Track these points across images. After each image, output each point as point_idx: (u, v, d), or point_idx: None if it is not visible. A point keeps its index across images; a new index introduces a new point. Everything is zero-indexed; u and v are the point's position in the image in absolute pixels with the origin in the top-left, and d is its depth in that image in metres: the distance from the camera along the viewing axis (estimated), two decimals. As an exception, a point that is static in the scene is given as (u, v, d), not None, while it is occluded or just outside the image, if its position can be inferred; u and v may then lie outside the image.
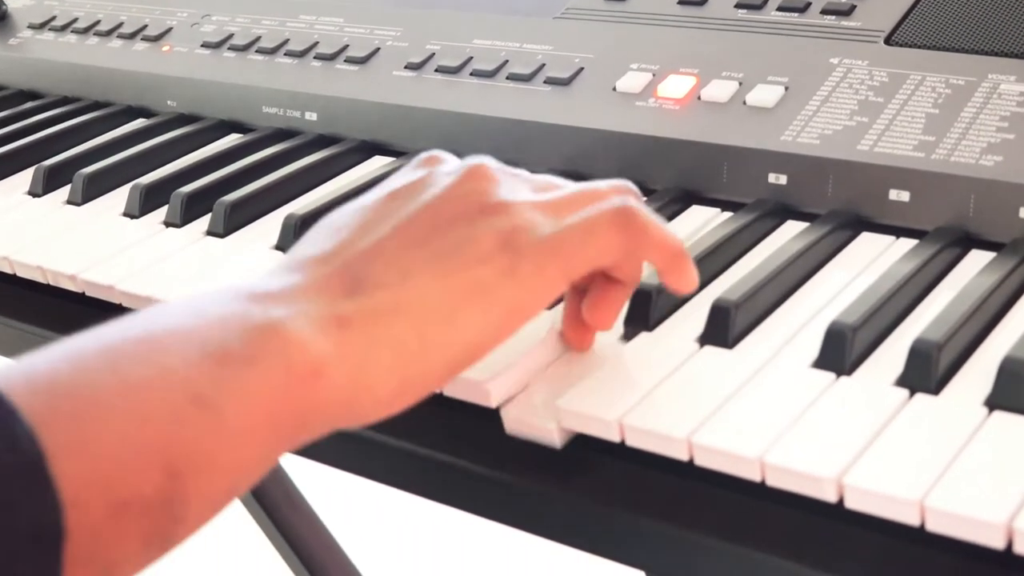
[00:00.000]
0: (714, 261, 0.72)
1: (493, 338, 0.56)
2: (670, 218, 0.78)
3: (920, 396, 0.58)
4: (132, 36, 1.11)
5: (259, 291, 0.53)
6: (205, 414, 0.48)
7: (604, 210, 0.59)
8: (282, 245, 0.81)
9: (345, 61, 0.98)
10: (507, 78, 0.90)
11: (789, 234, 0.74)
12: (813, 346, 0.62)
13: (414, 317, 0.54)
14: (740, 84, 0.82)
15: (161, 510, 0.46)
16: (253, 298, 0.52)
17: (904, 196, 0.73)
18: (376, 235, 0.56)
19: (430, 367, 0.54)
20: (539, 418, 0.60)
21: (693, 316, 0.67)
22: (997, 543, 0.50)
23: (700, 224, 0.77)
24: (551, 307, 0.66)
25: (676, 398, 0.59)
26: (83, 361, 0.48)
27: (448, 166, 0.60)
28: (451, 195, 0.58)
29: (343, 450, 0.66)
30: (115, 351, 0.48)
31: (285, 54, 1.01)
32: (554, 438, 0.60)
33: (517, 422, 0.61)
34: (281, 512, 1.40)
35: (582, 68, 0.88)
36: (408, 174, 0.61)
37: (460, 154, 0.87)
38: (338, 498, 1.61)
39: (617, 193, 0.61)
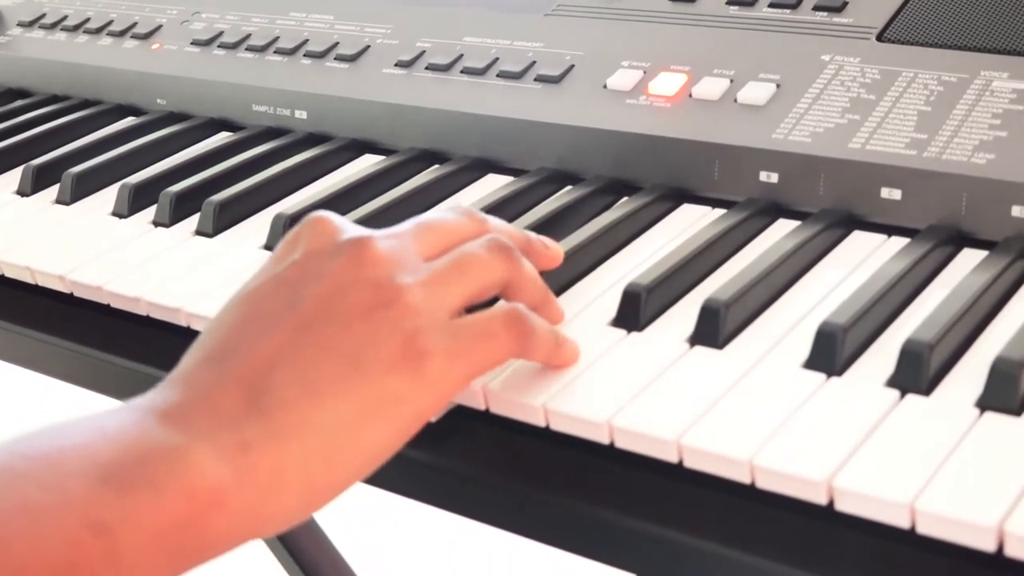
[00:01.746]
0: (705, 260, 0.71)
1: (398, 443, 0.55)
2: (661, 217, 0.78)
3: (911, 397, 0.57)
4: (122, 34, 1.10)
5: (163, 409, 0.52)
6: (102, 542, 0.47)
7: (497, 312, 0.58)
8: (271, 244, 0.80)
9: (335, 59, 0.97)
10: (498, 76, 0.89)
11: (780, 233, 0.73)
12: (804, 346, 0.62)
13: (320, 439, 0.52)
14: (731, 81, 0.81)
15: None
16: (157, 417, 0.51)
17: (896, 194, 0.72)
18: (269, 336, 0.54)
19: (335, 482, 0.53)
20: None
21: (683, 316, 0.66)
22: (988, 546, 0.49)
23: (691, 222, 0.77)
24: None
25: (666, 399, 0.59)
26: None
27: (334, 242, 0.58)
28: (342, 280, 0.56)
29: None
30: (14, 472, 0.48)
31: (275, 52, 1.01)
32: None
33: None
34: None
35: (573, 65, 0.88)
36: (292, 252, 0.58)
37: (450, 154, 0.88)
38: (336, 502, 1.60)
39: (493, 253, 0.60)
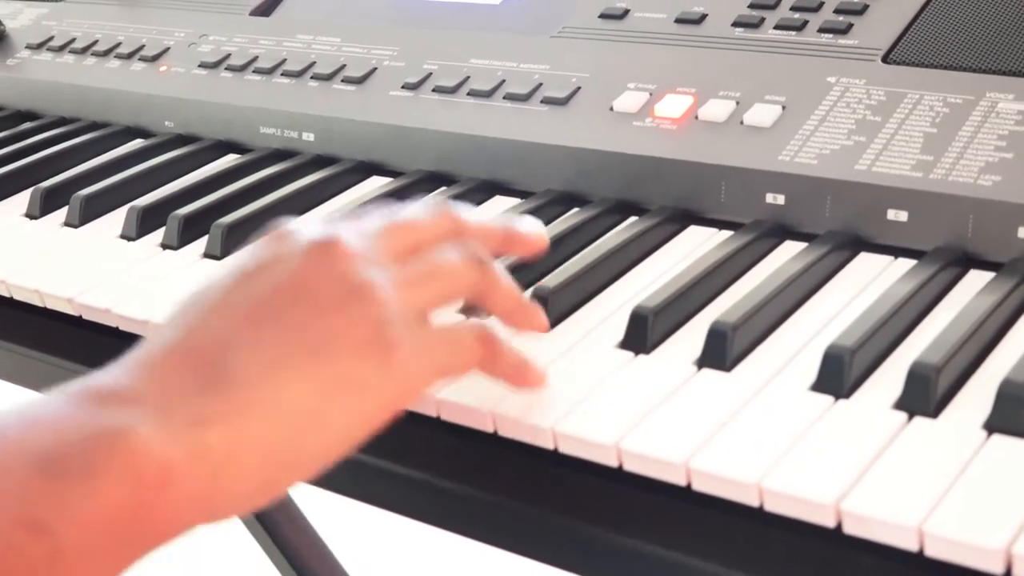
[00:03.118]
0: (712, 282, 0.71)
1: (361, 431, 0.53)
2: (667, 239, 0.78)
3: (919, 419, 0.57)
4: (129, 56, 1.11)
5: (104, 390, 0.49)
6: (40, 540, 0.44)
7: (468, 324, 0.58)
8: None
9: (342, 81, 0.98)
10: (504, 98, 0.90)
11: (787, 255, 0.73)
12: (811, 368, 0.62)
13: (282, 418, 0.50)
14: (737, 103, 0.82)
15: None
16: (96, 399, 0.48)
17: (902, 216, 0.72)
18: (231, 319, 0.52)
19: (296, 465, 0.51)
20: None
21: (691, 338, 0.66)
22: (997, 569, 0.49)
23: (697, 244, 0.77)
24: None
25: (674, 422, 0.59)
26: None
27: (300, 240, 0.56)
28: (309, 274, 0.54)
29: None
30: None
31: (282, 74, 1.01)
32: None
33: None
34: (280, 529, 1.40)
35: (579, 87, 0.88)
36: (260, 250, 0.56)
37: (457, 176, 0.89)
38: (339, 515, 1.60)
39: (467, 262, 0.59)
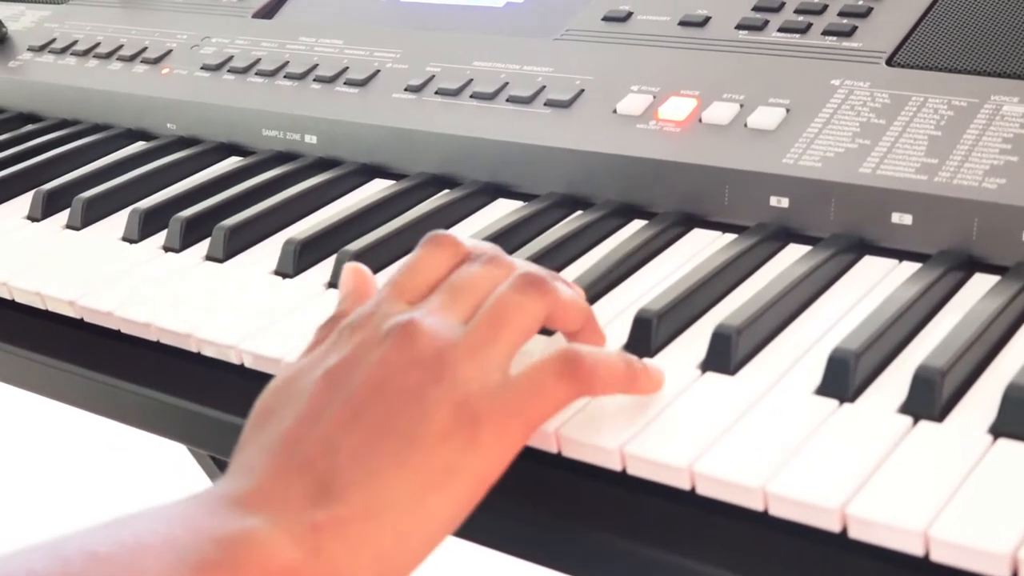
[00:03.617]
0: (716, 285, 0.71)
1: (466, 510, 0.55)
2: (671, 242, 0.78)
3: (924, 423, 0.57)
4: (132, 58, 1.11)
5: (231, 497, 0.53)
6: None
7: (547, 363, 0.57)
8: (281, 270, 0.80)
9: (345, 83, 0.98)
10: (507, 100, 0.90)
11: (791, 258, 0.73)
12: (816, 372, 0.62)
13: (387, 516, 0.52)
14: (741, 106, 0.81)
15: None
16: (226, 503, 0.52)
17: (907, 219, 0.72)
18: (326, 423, 0.55)
19: (408, 556, 0.53)
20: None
21: (695, 342, 0.66)
22: (1002, 573, 0.49)
23: (701, 247, 0.77)
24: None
25: (678, 426, 0.59)
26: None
27: (378, 330, 0.58)
28: (390, 369, 0.56)
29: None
30: (96, 565, 0.48)
31: (285, 76, 1.01)
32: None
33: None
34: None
35: (582, 90, 0.88)
36: (341, 346, 0.59)
37: (460, 178, 0.88)
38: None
39: (526, 292, 0.60)
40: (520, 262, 0.64)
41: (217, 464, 1.55)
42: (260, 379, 0.70)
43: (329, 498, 0.52)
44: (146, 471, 2.37)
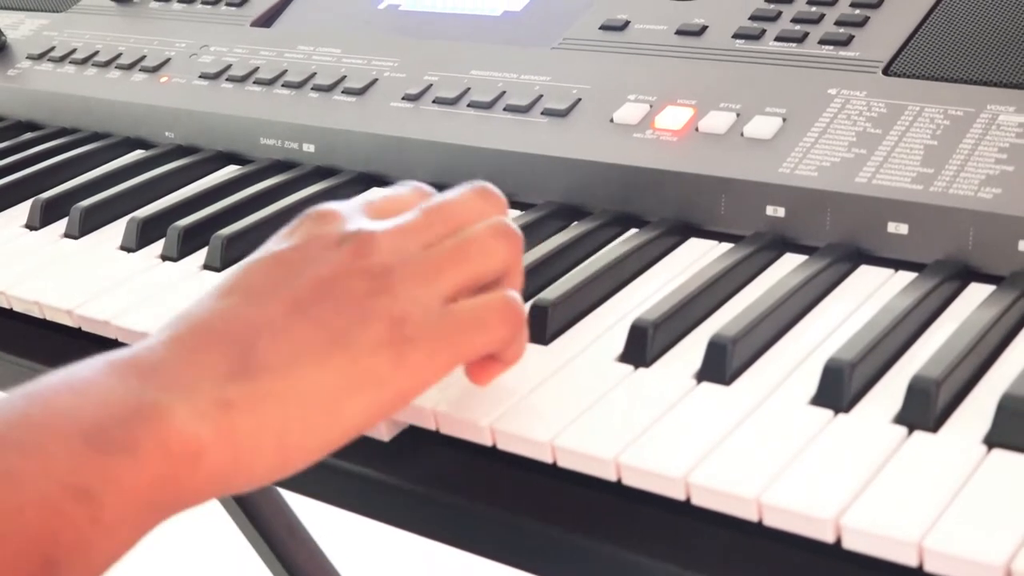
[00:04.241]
0: (712, 295, 0.71)
1: (374, 422, 0.56)
2: (668, 251, 0.78)
3: (918, 434, 0.57)
4: (130, 67, 1.11)
5: (144, 365, 0.53)
6: (84, 506, 0.48)
7: (492, 302, 0.59)
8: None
9: (343, 92, 0.98)
10: (504, 109, 0.90)
11: (787, 267, 0.73)
12: (811, 382, 0.62)
13: (300, 407, 0.53)
14: (738, 115, 0.82)
15: None
16: (138, 374, 0.52)
17: (903, 229, 0.72)
18: (262, 305, 0.56)
19: (309, 450, 0.54)
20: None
21: (691, 352, 0.66)
22: (997, 585, 0.49)
23: (698, 257, 0.77)
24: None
25: (673, 436, 0.59)
26: None
27: (336, 232, 0.59)
28: (340, 270, 0.57)
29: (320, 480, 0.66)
30: (4, 444, 0.48)
31: (283, 85, 1.01)
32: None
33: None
34: (283, 543, 1.40)
35: (580, 99, 0.88)
36: (295, 236, 0.59)
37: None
38: (340, 529, 1.60)
39: (498, 238, 0.60)
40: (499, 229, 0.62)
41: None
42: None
43: (246, 375, 0.53)
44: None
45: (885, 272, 0.73)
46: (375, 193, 0.64)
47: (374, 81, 0.98)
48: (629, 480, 0.58)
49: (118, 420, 0.50)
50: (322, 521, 1.48)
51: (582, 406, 0.62)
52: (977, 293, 0.69)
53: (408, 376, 0.56)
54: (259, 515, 1.42)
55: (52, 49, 1.18)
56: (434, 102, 0.93)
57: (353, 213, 0.61)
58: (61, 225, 0.94)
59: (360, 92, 0.97)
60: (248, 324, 0.55)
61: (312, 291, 0.56)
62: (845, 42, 0.85)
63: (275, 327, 0.55)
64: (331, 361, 0.54)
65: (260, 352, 0.54)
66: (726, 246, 0.77)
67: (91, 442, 0.49)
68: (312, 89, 0.99)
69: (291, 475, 0.55)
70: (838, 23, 0.87)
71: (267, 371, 0.53)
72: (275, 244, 0.60)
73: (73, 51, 1.16)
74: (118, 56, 1.13)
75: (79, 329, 0.80)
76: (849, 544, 0.52)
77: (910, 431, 0.58)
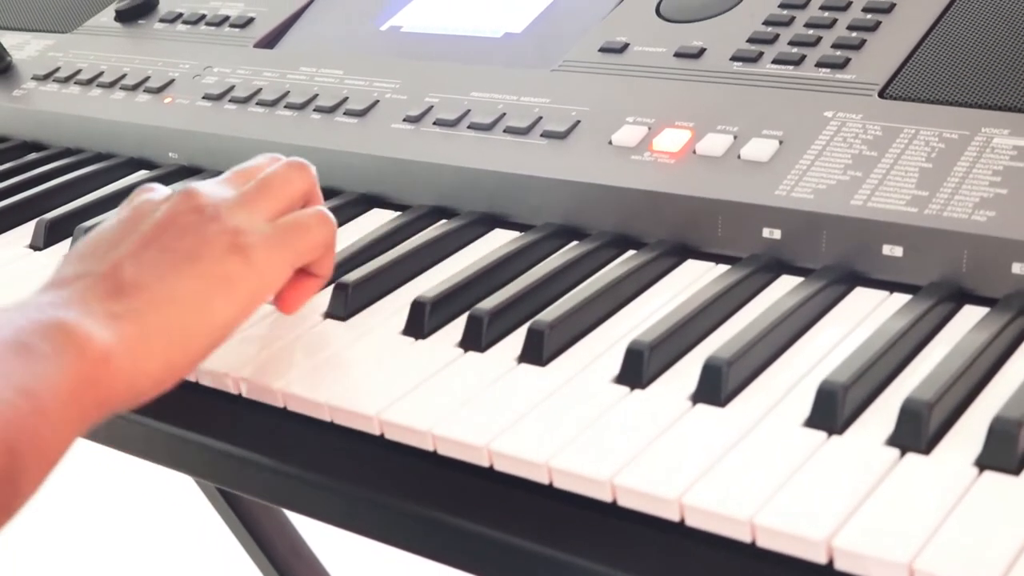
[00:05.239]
0: (708, 317, 0.72)
1: (242, 318, 0.68)
2: (665, 273, 0.79)
3: (911, 456, 0.58)
4: (134, 88, 1.12)
5: (45, 301, 0.64)
6: (30, 401, 0.57)
7: (307, 210, 0.74)
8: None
9: (344, 114, 0.99)
10: (504, 131, 0.90)
11: (783, 289, 0.74)
12: (806, 404, 0.62)
13: (173, 311, 0.65)
14: (735, 138, 0.82)
15: (4, 485, 0.55)
16: (46, 304, 0.63)
17: (897, 251, 0.73)
18: (127, 245, 0.68)
19: (192, 349, 0.66)
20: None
21: (686, 373, 0.67)
22: (986, 606, 0.50)
23: (694, 278, 0.78)
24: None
25: (668, 458, 0.60)
26: None
27: (163, 192, 0.73)
28: (175, 212, 0.70)
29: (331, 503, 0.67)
30: None
31: (285, 106, 1.02)
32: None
33: None
34: (286, 562, 1.40)
35: (578, 121, 0.89)
36: (128, 207, 0.72)
37: (458, 209, 0.89)
38: (344, 548, 1.61)
39: (292, 169, 0.76)
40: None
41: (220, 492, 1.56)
42: (257, 408, 0.71)
43: (123, 293, 0.64)
44: (149, 499, 2.38)
45: (880, 294, 0.73)
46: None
47: (375, 103, 0.98)
48: (624, 501, 0.59)
49: (40, 336, 0.60)
50: (325, 540, 1.48)
51: (578, 427, 0.63)
52: (971, 315, 0.70)
53: (258, 274, 0.68)
54: (263, 534, 1.43)
55: (57, 70, 1.19)
56: (435, 124, 0.94)
57: (169, 188, 0.74)
58: (65, 246, 0.94)
59: (361, 114, 0.98)
60: (110, 263, 0.66)
61: (154, 230, 0.68)
62: (842, 65, 0.86)
63: (134, 258, 0.67)
64: (189, 271, 0.66)
65: (128, 277, 0.65)
66: (723, 268, 0.78)
67: (22, 353, 0.58)
68: (314, 110, 1.00)
69: (183, 377, 0.66)
70: (835, 46, 0.87)
71: (138, 288, 0.65)
72: (112, 217, 0.72)
73: (78, 72, 1.17)
74: (122, 77, 1.14)
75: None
76: (841, 565, 0.53)
77: (903, 453, 0.58)
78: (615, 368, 0.68)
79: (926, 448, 0.58)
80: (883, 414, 0.61)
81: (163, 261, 0.67)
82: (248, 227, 0.70)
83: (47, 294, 0.65)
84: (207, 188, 0.72)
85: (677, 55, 0.92)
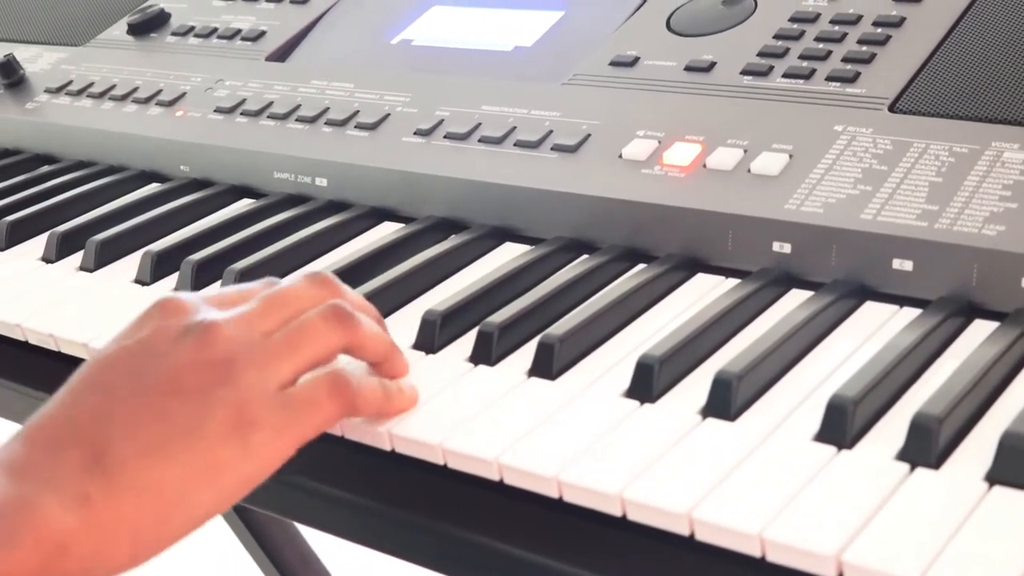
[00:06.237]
0: (718, 331, 0.72)
1: (225, 507, 0.60)
2: (675, 286, 0.79)
3: (921, 471, 0.58)
4: (147, 101, 1.12)
5: (11, 464, 0.57)
6: None
7: (319, 381, 0.63)
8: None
9: (355, 127, 0.99)
10: (515, 144, 0.91)
11: (793, 303, 0.74)
12: (815, 418, 0.62)
13: (150, 498, 0.57)
14: (745, 151, 0.82)
15: None
16: (5, 472, 0.57)
17: (907, 265, 0.73)
18: (112, 401, 0.59)
19: (164, 538, 0.58)
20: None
21: (696, 387, 0.67)
22: (996, 622, 0.50)
23: (704, 292, 0.78)
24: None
25: (677, 472, 0.60)
26: None
27: (179, 325, 0.62)
28: (183, 362, 0.61)
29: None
30: None
31: (296, 120, 1.02)
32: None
33: None
34: (296, 573, 1.40)
35: (589, 135, 0.89)
36: (144, 329, 0.63)
37: (468, 222, 0.89)
38: (353, 559, 1.61)
39: (328, 322, 0.64)
40: (346, 290, 0.69)
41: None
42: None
43: (101, 470, 0.57)
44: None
45: (890, 308, 0.74)
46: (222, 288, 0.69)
47: (386, 116, 0.99)
48: (634, 515, 0.59)
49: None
50: (335, 551, 1.48)
51: (588, 441, 0.63)
52: (981, 330, 0.70)
53: (253, 461, 0.60)
54: (272, 544, 1.43)
55: (70, 83, 1.19)
56: (445, 137, 0.94)
57: (198, 304, 0.65)
58: (77, 258, 0.95)
59: (372, 127, 0.98)
60: (100, 420, 0.59)
61: (159, 385, 0.60)
62: (852, 79, 0.86)
63: (125, 422, 0.59)
64: (179, 455, 0.58)
65: (113, 448, 0.57)
66: (733, 282, 0.78)
67: None
68: (325, 123, 1.01)
69: (143, 564, 0.58)
70: (845, 60, 0.87)
71: (119, 466, 0.57)
72: (125, 338, 0.63)
73: (90, 85, 1.18)
74: (135, 90, 1.14)
75: (93, 362, 0.80)
76: (850, 581, 0.53)
77: (912, 468, 0.58)
78: (625, 382, 0.68)
79: (936, 463, 0.58)
80: (893, 429, 0.61)
81: (155, 435, 0.58)
82: (257, 401, 0.60)
83: (15, 449, 0.58)
84: (231, 329, 0.62)
85: (687, 69, 0.92)
